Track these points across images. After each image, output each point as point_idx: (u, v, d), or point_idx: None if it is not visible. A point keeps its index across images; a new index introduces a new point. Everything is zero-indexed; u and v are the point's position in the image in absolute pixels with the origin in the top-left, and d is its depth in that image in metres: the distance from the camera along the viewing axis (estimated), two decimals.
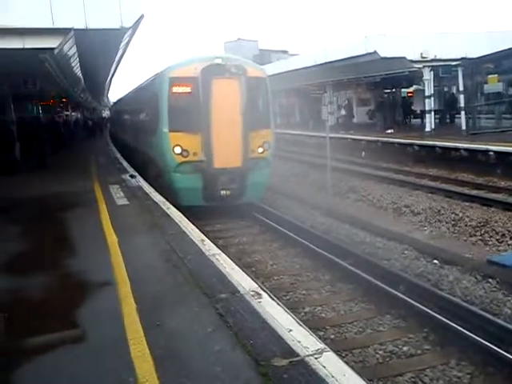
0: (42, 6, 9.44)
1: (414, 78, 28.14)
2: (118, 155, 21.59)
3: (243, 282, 5.43)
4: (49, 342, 4.39)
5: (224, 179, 11.51)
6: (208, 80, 11.06)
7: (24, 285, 5.91)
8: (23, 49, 9.98)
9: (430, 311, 6.32)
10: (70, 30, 9.94)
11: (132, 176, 14.16)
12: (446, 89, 33.43)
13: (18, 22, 9.38)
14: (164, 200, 10.38)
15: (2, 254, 7.08)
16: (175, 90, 11.51)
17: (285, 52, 63.49)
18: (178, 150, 11.33)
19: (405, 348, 5.81)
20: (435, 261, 8.82)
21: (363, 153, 22.84)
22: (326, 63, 26.72)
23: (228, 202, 11.84)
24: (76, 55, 14.19)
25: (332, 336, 6.28)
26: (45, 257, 7.00)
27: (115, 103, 39.16)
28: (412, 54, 22.68)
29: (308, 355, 3.76)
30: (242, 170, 11.57)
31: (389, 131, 26.14)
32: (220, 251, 6.67)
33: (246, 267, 8.08)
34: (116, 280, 5.69)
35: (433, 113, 25.03)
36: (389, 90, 34.47)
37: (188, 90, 11.49)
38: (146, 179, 13.55)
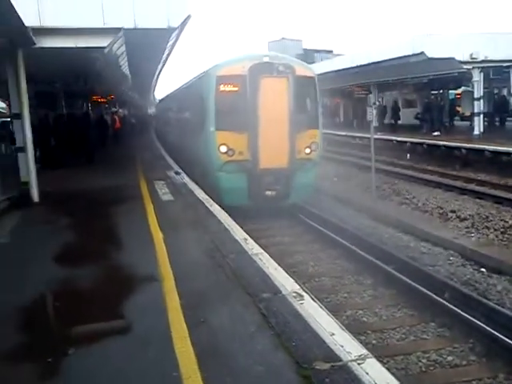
0: (94, 7, 9.76)
1: (463, 79, 27.36)
2: (163, 152, 21.98)
3: (285, 282, 5.43)
4: (96, 332, 4.57)
5: (269, 180, 11.36)
6: (256, 79, 10.88)
7: (73, 275, 6.13)
8: (75, 48, 10.32)
9: (476, 321, 6.11)
10: (119, 29, 10.20)
11: (177, 173, 14.40)
12: (496, 91, 32.34)
13: (72, 23, 9.72)
14: (208, 197, 10.52)
15: (55, 244, 7.35)
16: (222, 88, 11.36)
17: (329, 52, 62.92)
18: (223, 148, 11.21)
19: (449, 358, 5.65)
20: (483, 269, 8.54)
21: (408, 155, 22.37)
22: (371, 63, 26.33)
23: (272, 203, 11.66)
24: (124, 54, 14.51)
25: (373, 341, 6.18)
26: (93, 249, 7.23)
27: (161, 101, 39.66)
28: (461, 55, 22.03)
29: (351, 360, 3.73)
30: (287, 170, 11.40)
31: (435, 133, 25.49)
32: (262, 250, 6.70)
33: (287, 267, 8.06)
34: (161, 275, 5.81)
35: (482, 115, 24.24)
36: (436, 92, 33.62)
37: (235, 88, 11.33)
38: (191, 177, 13.66)
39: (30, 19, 9.23)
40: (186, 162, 15.74)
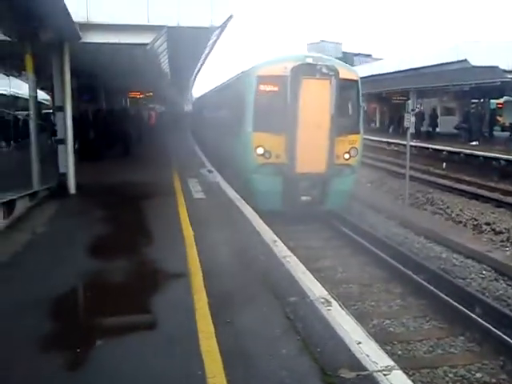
0: (139, 5, 9.97)
1: (506, 88, 26.63)
2: (197, 149, 22.20)
3: (313, 287, 5.42)
4: (124, 325, 4.67)
5: (305, 185, 11.08)
6: (297, 80, 10.52)
7: (105, 267, 6.28)
8: (119, 44, 10.56)
9: (508, 339, 5.96)
10: (163, 27, 10.39)
11: (210, 171, 14.53)
12: None
13: (117, 19, 9.96)
14: (239, 197, 10.58)
15: (88, 236, 7.55)
16: (262, 88, 11.15)
17: (368, 56, 62.36)
18: (260, 150, 11.00)
19: (478, 374, 5.52)
20: None
21: (444, 164, 21.93)
22: (411, 69, 25.98)
23: (308, 209, 11.41)
24: (165, 51, 14.74)
25: (399, 352, 6.09)
26: (124, 242, 7.39)
27: (198, 99, 39.83)
28: (505, 64, 21.47)
29: (376, 371, 3.70)
30: (324, 176, 11.08)
31: (473, 143, 24.92)
32: (291, 254, 6.70)
33: (314, 272, 8.03)
34: (190, 272, 5.88)
35: None
36: (476, 100, 32.81)
37: (276, 89, 11.09)
38: (225, 176, 13.62)
39: (77, 15, 9.50)
40: (221, 162, 15.55)
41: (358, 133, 11.81)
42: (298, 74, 10.53)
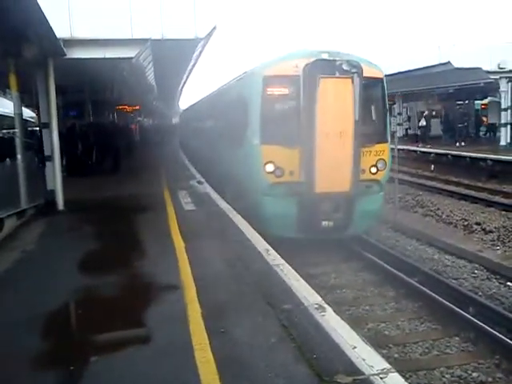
0: (122, 19, 10.00)
1: (489, 89, 27.01)
2: (187, 162, 22.17)
3: (307, 294, 5.41)
4: (117, 340, 4.62)
5: (327, 207, 9.25)
6: (313, 80, 8.69)
7: (96, 283, 6.22)
8: (104, 58, 10.57)
9: (503, 337, 5.99)
10: (147, 40, 10.42)
11: (199, 182, 14.50)
12: None
13: (101, 34, 9.97)
14: (230, 207, 10.51)
15: (78, 252, 7.47)
16: (270, 91, 9.43)
17: None
18: (270, 167, 9.23)
19: (474, 374, 5.54)
20: (509, 283, 8.37)
21: (432, 166, 22.13)
22: (395, 73, 26.18)
23: (328, 235, 9.63)
24: (151, 64, 14.80)
25: (396, 355, 6.10)
26: (116, 257, 7.33)
27: (186, 110, 39.10)
28: (488, 65, 21.79)
29: (373, 374, 3.69)
30: (349, 195, 9.18)
31: (458, 144, 25.21)
32: (284, 261, 6.68)
33: (308, 278, 8.02)
34: (182, 284, 5.84)
35: (509, 126, 23.86)
36: (461, 102, 33.22)
37: (286, 91, 9.50)
38: (215, 187, 13.16)
39: (60, 31, 9.51)
40: (219, 180, 13.51)
41: (385, 142, 10.00)
42: (312, 73, 8.74)
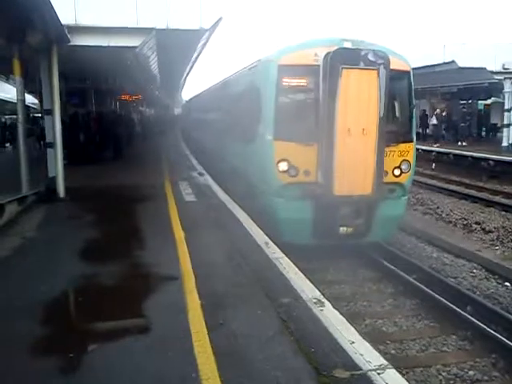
0: (128, 7, 9.96)
1: (493, 89, 26.94)
2: (188, 153, 22.14)
3: (306, 288, 5.43)
4: (116, 329, 4.62)
5: (346, 211, 8.50)
6: (334, 70, 7.94)
7: (95, 271, 6.21)
8: (108, 47, 10.53)
9: (500, 336, 6.00)
10: (152, 29, 10.38)
11: (200, 174, 14.48)
12: None
13: (106, 22, 9.93)
14: (230, 199, 10.51)
15: (78, 240, 7.48)
16: (286, 82, 8.65)
17: None
18: (283, 166, 8.45)
19: (471, 372, 5.55)
20: (507, 283, 8.38)
21: (433, 164, 22.11)
22: None
23: (346, 242, 8.96)
24: (155, 54, 14.73)
25: (392, 351, 6.11)
26: (115, 245, 7.35)
27: (189, 100, 37.75)
28: (493, 65, 21.72)
29: (370, 370, 3.71)
30: (371, 199, 8.47)
31: (462, 144, 25.18)
32: (283, 255, 6.69)
33: (306, 273, 8.03)
34: (182, 274, 5.86)
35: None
36: (465, 101, 33.14)
37: (303, 83, 8.77)
38: (216, 179, 13.08)
39: (65, 17, 9.47)
40: (225, 177, 12.84)
41: (410, 141, 9.18)
42: (334, 63, 7.99)
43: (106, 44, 10.43)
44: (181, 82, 38.23)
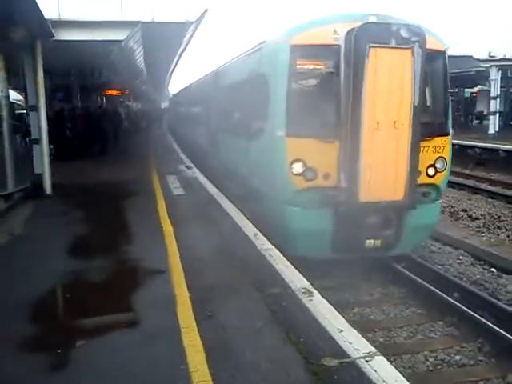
0: (112, 1, 9.85)
1: (479, 77, 27.13)
2: (175, 146, 22.05)
3: (295, 278, 5.46)
4: (105, 324, 4.61)
5: (374, 221, 7.26)
6: (360, 50, 6.53)
7: (83, 267, 6.19)
8: (93, 41, 10.43)
9: (485, 321, 6.10)
10: (137, 22, 10.31)
11: (188, 167, 14.46)
12: None
13: (90, 16, 9.83)
14: (218, 192, 10.51)
15: (66, 236, 7.45)
16: (300, 66, 7.19)
17: None
18: (298, 167, 7.07)
19: (457, 357, 5.65)
20: (493, 269, 8.51)
21: None
22: None
23: (371, 255, 7.70)
24: (141, 48, 14.63)
25: (381, 339, 6.19)
26: (104, 241, 7.32)
27: (177, 93, 36.14)
28: (479, 53, 21.86)
29: (359, 357, 3.76)
30: (404, 205, 7.17)
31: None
32: (273, 246, 6.71)
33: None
34: (170, 268, 5.87)
35: (497, 114, 24.05)
36: (451, 90, 33.35)
37: (321, 66, 7.26)
38: (203, 172, 13.01)
39: (49, 11, 9.36)
40: (218, 175, 11.86)
41: (446, 134, 7.83)
42: (360, 41, 6.54)
43: (90, 38, 10.34)
44: (167, 76, 38.01)
